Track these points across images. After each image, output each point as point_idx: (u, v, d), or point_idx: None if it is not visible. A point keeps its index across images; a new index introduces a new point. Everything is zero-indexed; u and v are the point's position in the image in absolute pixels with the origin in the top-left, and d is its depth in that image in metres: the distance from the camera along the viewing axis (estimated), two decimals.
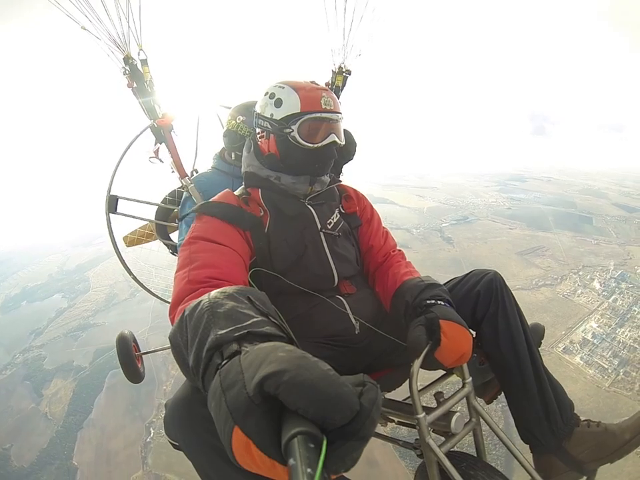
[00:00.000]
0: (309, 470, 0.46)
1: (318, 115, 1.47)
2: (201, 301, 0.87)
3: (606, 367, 19.24)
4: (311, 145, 1.48)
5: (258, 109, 1.59)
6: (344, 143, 1.61)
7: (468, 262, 30.02)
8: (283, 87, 1.51)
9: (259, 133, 1.60)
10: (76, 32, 1.98)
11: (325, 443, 0.52)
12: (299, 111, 1.46)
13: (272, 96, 1.52)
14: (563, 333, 20.72)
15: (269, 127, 1.52)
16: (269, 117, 1.52)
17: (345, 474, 0.59)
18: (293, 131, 1.47)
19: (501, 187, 57.72)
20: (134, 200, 2.61)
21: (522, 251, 32.72)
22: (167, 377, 19.88)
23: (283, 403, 0.56)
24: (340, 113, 1.54)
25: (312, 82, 1.57)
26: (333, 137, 1.50)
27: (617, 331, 21.54)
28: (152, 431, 17.63)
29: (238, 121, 2.27)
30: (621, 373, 18.58)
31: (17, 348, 26.14)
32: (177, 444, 0.98)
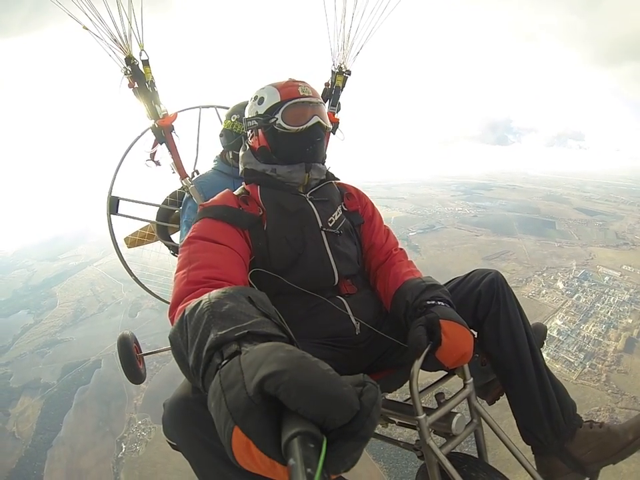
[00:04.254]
0: (308, 470, 0.46)
1: (297, 100, 1.53)
2: (201, 301, 0.87)
3: (572, 360, 19.97)
4: (296, 128, 1.52)
5: (246, 114, 1.65)
6: (330, 127, 1.64)
7: (435, 269, 30.55)
8: (264, 87, 1.60)
9: (249, 134, 1.66)
10: (77, 32, 2.00)
11: (325, 443, 0.52)
12: (280, 100, 1.53)
13: (255, 98, 1.61)
14: None
15: (256, 123, 1.58)
16: (255, 115, 1.58)
17: (344, 474, 0.61)
18: (277, 119, 1.51)
19: (467, 196, 59.20)
20: (135, 201, 2.61)
21: (488, 256, 33.63)
22: (137, 391, 19.36)
23: (283, 403, 0.55)
24: (319, 99, 1.60)
25: (289, 78, 1.63)
26: (316, 118, 1.54)
27: (581, 327, 22.48)
28: (123, 447, 17.12)
29: (232, 120, 2.32)
30: (587, 366, 19.37)
31: None
32: (175, 444, 0.98)
